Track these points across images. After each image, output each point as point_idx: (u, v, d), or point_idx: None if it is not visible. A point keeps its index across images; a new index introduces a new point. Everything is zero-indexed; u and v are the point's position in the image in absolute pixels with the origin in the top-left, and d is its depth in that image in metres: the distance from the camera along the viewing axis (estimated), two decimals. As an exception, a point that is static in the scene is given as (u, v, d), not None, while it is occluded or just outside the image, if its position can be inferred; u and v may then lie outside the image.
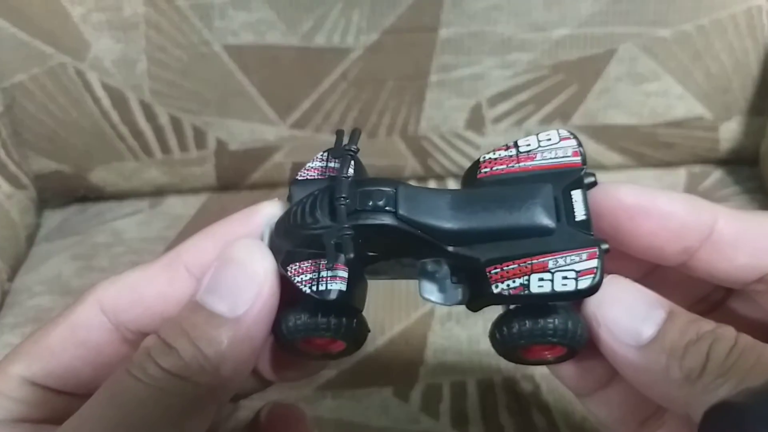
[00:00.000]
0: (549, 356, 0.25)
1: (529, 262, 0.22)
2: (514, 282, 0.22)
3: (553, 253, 0.22)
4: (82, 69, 0.54)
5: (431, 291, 0.25)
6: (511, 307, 0.24)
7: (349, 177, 0.23)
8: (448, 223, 0.23)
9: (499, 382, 0.43)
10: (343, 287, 0.23)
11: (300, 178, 0.25)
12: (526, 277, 0.22)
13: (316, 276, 0.23)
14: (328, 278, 0.23)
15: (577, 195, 0.24)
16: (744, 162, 0.59)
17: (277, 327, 0.24)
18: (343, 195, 0.22)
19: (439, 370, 0.44)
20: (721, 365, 0.21)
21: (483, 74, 0.55)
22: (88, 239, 0.57)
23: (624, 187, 0.25)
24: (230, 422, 0.32)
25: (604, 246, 0.23)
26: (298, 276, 0.23)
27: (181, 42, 0.53)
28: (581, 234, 0.23)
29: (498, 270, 0.23)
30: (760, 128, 0.57)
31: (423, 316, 0.47)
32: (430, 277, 0.25)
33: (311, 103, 0.56)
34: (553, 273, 0.22)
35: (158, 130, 0.57)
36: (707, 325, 0.23)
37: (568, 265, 0.22)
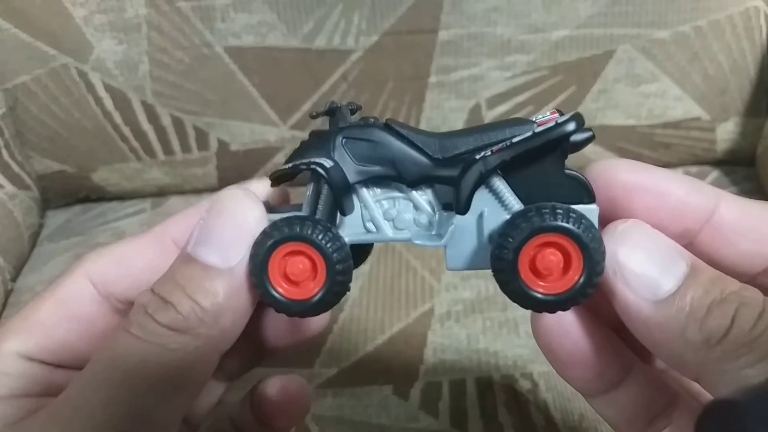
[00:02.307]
0: (560, 284, 0.22)
1: (510, 141, 0.23)
2: (495, 146, 0.23)
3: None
4: (85, 70, 0.55)
5: (422, 237, 0.25)
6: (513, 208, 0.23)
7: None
8: (432, 138, 0.24)
9: (498, 380, 0.43)
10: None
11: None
12: (507, 142, 0.23)
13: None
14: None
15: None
16: (741, 163, 0.59)
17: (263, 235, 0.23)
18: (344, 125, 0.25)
19: (438, 368, 0.45)
20: (747, 333, 0.19)
21: (482, 75, 0.55)
22: (90, 239, 0.58)
23: (621, 162, 0.24)
24: (220, 406, 0.32)
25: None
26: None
27: (182, 43, 0.54)
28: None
29: (482, 152, 0.23)
30: (757, 129, 0.57)
31: (423, 315, 0.47)
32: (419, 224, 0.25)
33: (312, 104, 0.56)
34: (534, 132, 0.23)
35: (160, 131, 0.58)
36: (732, 284, 0.21)
37: (546, 125, 0.23)
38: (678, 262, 0.21)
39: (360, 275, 0.50)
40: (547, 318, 0.24)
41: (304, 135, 0.57)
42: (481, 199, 0.23)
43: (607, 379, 0.25)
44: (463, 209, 0.23)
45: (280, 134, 0.58)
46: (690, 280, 0.21)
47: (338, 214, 0.25)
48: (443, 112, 0.57)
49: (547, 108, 0.56)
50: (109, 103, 0.56)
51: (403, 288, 0.49)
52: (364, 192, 0.25)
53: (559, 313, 0.23)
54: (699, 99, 0.56)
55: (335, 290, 0.24)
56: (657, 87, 0.55)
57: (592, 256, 0.22)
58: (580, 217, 0.22)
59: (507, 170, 0.23)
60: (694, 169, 0.59)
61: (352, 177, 0.24)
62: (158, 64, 0.54)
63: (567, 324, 0.24)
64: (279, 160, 0.59)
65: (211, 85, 0.56)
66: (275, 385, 0.30)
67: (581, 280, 0.22)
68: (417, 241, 0.25)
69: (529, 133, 0.23)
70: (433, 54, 0.54)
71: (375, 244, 0.27)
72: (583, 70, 0.55)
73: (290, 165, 0.24)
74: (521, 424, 0.41)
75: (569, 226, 0.22)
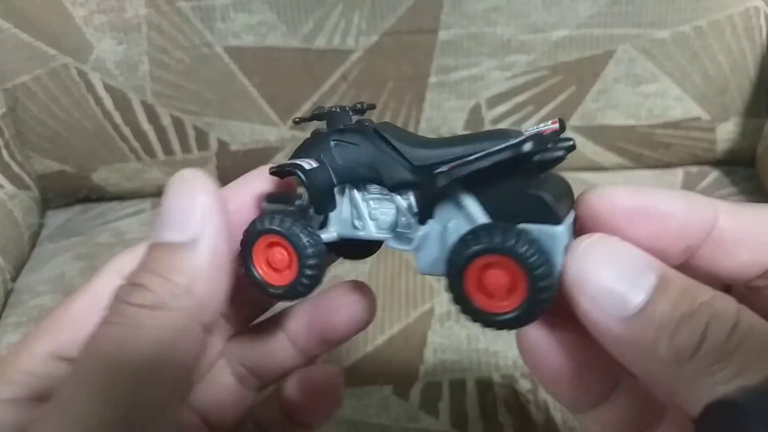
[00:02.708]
0: (505, 303, 0.22)
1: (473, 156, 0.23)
2: (453, 163, 0.23)
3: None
4: (85, 70, 0.55)
5: (396, 240, 0.25)
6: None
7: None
8: (417, 145, 0.25)
9: (498, 380, 0.43)
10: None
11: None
12: (467, 159, 0.23)
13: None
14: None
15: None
16: (741, 163, 0.59)
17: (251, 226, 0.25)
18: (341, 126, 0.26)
19: (438, 368, 0.45)
20: (720, 348, 0.19)
21: (482, 75, 0.55)
22: (90, 239, 0.58)
23: (620, 189, 0.23)
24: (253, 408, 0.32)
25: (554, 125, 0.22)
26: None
27: (182, 43, 0.54)
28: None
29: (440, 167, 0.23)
30: (756, 129, 0.57)
31: (422, 315, 0.48)
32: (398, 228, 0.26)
33: (312, 104, 0.56)
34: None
35: (160, 131, 0.58)
36: (703, 293, 0.20)
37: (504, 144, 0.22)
38: (646, 273, 0.20)
39: (360, 275, 0.50)
40: (532, 335, 0.23)
41: (304, 135, 0.57)
42: (451, 211, 0.24)
43: (594, 395, 0.24)
44: (422, 218, 0.24)
45: (280, 134, 0.58)
46: (658, 294, 0.20)
47: (328, 210, 0.26)
48: (443, 112, 0.57)
49: (547, 108, 0.57)
50: (109, 103, 0.56)
51: (403, 288, 0.49)
52: (354, 191, 0.26)
53: (544, 329, 0.23)
54: (699, 99, 0.56)
55: (304, 282, 0.25)
56: (657, 87, 0.55)
57: (537, 282, 0.21)
58: (530, 241, 0.21)
59: (474, 184, 0.23)
60: (694, 169, 0.59)
61: (338, 178, 0.26)
62: (158, 64, 0.54)
63: (552, 340, 0.23)
64: (279, 160, 0.58)
65: (211, 85, 0.56)
66: (306, 376, 0.30)
67: (525, 304, 0.22)
68: (390, 244, 0.25)
69: (483, 152, 0.22)
70: (433, 54, 0.54)
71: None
72: (583, 70, 0.55)
73: (279, 164, 0.26)
74: (521, 424, 0.41)
75: (514, 249, 0.21)
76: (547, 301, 0.22)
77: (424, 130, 0.57)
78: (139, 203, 0.61)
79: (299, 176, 0.25)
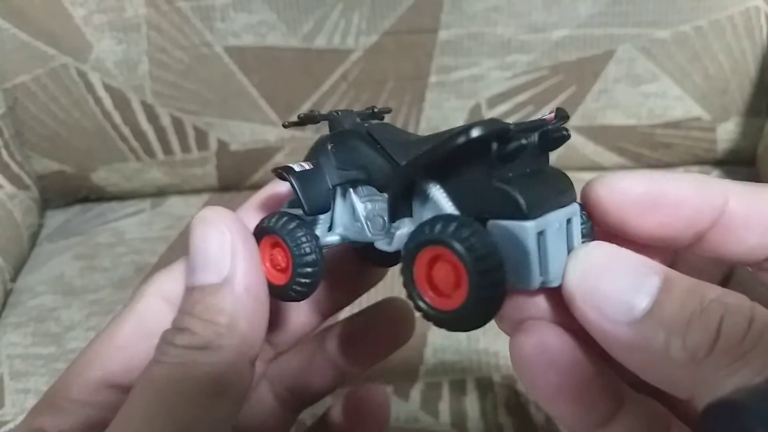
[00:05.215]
0: (451, 300, 0.21)
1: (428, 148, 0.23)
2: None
3: None
4: (84, 70, 0.55)
5: (381, 240, 0.25)
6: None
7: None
8: (407, 144, 0.24)
9: (498, 380, 0.43)
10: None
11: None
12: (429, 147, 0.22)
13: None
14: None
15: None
16: (741, 162, 0.59)
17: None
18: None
19: (438, 368, 0.44)
20: (738, 345, 0.18)
21: (482, 75, 0.55)
22: (90, 239, 0.58)
23: (627, 178, 0.22)
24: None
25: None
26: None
27: (182, 43, 0.54)
28: None
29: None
30: (757, 129, 0.57)
31: (423, 315, 0.47)
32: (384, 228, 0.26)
33: (312, 104, 0.56)
34: None
35: (160, 131, 0.58)
36: (712, 291, 0.19)
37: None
38: (649, 277, 0.20)
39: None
40: (526, 346, 0.22)
41: (304, 135, 0.58)
42: (424, 206, 0.23)
43: (599, 414, 0.22)
44: (390, 216, 0.24)
45: (280, 134, 0.58)
46: (664, 295, 0.19)
47: (332, 213, 0.26)
48: (443, 112, 0.57)
49: (547, 108, 0.56)
50: (108, 102, 0.56)
51: (403, 288, 0.49)
52: (352, 193, 0.26)
53: (540, 340, 0.22)
54: (699, 99, 0.56)
55: (299, 281, 0.25)
56: (657, 87, 0.55)
57: (475, 274, 0.20)
58: (471, 233, 0.20)
59: (446, 180, 0.23)
60: (694, 169, 0.59)
61: (333, 179, 0.25)
62: (158, 63, 0.54)
63: (551, 354, 0.22)
64: (279, 160, 0.59)
65: (210, 85, 0.56)
66: (348, 403, 0.31)
67: (470, 300, 0.20)
68: (377, 244, 0.25)
69: (441, 139, 0.21)
70: (433, 54, 0.54)
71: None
72: (584, 70, 0.55)
73: (279, 168, 0.26)
74: (521, 425, 0.41)
75: (449, 240, 0.20)
76: (493, 299, 0.20)
77: (424, 129, 0.57)
78: (139, 203, 0.61)
79: (286, 177, 0.25)
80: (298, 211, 0.25)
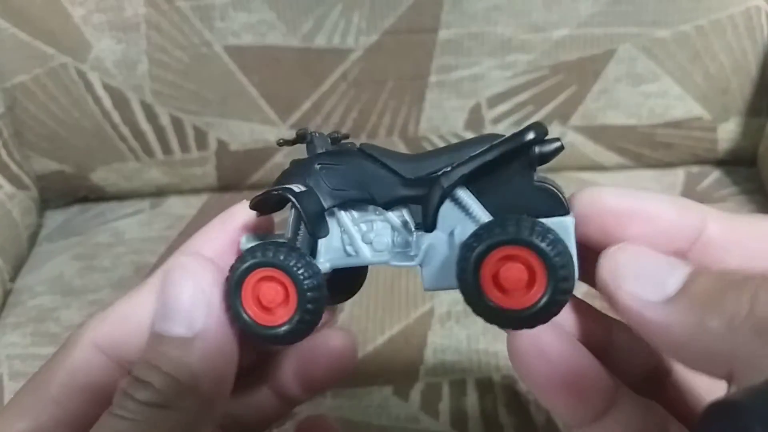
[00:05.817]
0: (525, 299, 0.22)
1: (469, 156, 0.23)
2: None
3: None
4: (84, 69, 0.55)
5: (399, 257, 0.25)
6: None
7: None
8: (406, 160, 0.24)
9: (499, 380, 0.43)
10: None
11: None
12: (470, 155, 0.23)
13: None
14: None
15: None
16: (742, 163, 0.59)
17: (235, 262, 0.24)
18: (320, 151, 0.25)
19: (438, 369, 0.44)
20: None
21: (482, 75, 0.55)
22: (89, 239, 0.58)
23: (609, 190, 0.23)
24: None
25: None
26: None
27: (182, 43, 0.54)
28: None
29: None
30: (758, 129, 0.57)
31: (423, 315, 0.47)
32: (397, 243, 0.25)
33: (311, 104, 0.56)
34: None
35: (159, 131, 0.57)
36: (741, 273, 0.20)
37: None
38: (679, 263, 0.21)
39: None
40: (523, 340, 0.23)
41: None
42: (453, 217, 0.23)
43: (592, 407, 0.23)
44: (430, 226, 0.24)
45: (280, 134, 0.58)
46: (696, 274, 0.20)
47: (317, 240, 0.25)
48: (443, 112, 0.57)
49: (547, 108, 0.56)
50: (107, 102, 0.56)
51: (403, 288, 0.49)
52: (343, 216, 0.25)
53: (536, 334, 0.22)
54: (700, 98, 0.56)
55: (306, 318, 0.23)
56: (658, 86, 0.55)
57: (557, 271, 0.21)
58: (546, 231, 0.21)
59: (476, 185, 0.23)
60: (695, 169, 0.59)
61: (327, 202, 0.25)
62: (157, 63, 0.54)
63: (544, 346, 0.23)
64: (278, 160, 0.59)
65: (210, 85, 0.56)
66: (302, 427, 0.30)
67: (545, 296, 0.21)
68: (393, 263, 0.24)
69: (487, 146, 0.22)
70: (434, 53, 0.54)
71: (369, 272, 0.27)
72: (584, 70, 0.55)
73: (263, 192, 0.25)
74: (522, 425, 0.41)
75: (531, 239, 0.21)
76: (568, 292, 0.21)
77: (425, 129, 0.57)
78: (138, 203, 0.61)
79: (289, 198, 0.24)
80: (281, 239, 0.24)
